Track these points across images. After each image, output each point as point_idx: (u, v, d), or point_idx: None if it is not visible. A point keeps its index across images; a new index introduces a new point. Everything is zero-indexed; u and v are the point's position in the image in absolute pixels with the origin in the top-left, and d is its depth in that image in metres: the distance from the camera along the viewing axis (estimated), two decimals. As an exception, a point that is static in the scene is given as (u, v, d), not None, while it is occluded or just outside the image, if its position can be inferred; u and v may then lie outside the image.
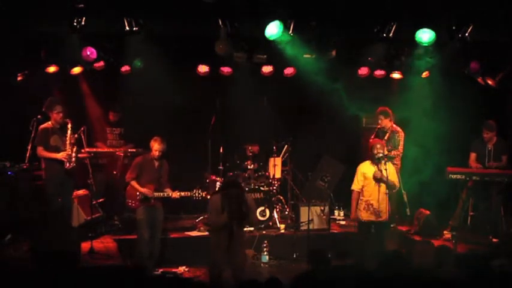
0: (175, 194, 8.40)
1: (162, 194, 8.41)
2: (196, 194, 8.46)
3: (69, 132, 8.56)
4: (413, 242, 9.29)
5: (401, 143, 9.57)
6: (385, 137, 9.68)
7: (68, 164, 8.48)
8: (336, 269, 5.75)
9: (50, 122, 8.60)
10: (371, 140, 8.99)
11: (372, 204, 8.33)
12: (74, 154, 8.53)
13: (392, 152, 9.41)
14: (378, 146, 8.36)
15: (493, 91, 10.28)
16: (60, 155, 8.48)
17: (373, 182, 8.33)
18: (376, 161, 8.30)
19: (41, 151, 8.51)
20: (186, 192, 8.47)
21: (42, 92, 9.07)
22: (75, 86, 9.97)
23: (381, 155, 8.26)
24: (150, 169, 8.43)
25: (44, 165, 8.60)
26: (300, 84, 10.55)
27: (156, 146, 8.35)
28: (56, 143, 8.56)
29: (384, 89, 10.85)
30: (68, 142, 8.54)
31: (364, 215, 8.38)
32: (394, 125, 9.71)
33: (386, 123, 9.70)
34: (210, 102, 10.36)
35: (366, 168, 8.40)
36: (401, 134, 9.61)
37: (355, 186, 8.45)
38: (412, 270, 5.84)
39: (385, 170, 8.20)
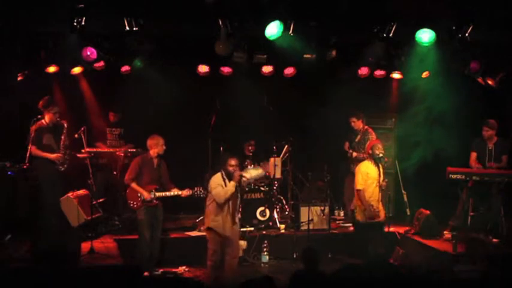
0: (186, 192, 8.36)
1: (168, 193, 8.37)
2: (198, 192, 8.44)
3: (64, 134, 8.53)
4: (413, 242, 9.29)
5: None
6: (356, 140, 9.76)
7: (59, 167, 8.45)
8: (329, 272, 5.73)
9: (43, 121, 8.55)
10: (371, 140, 8.99)
11: (372, 205, 8.33)
12: (67, 157, 8.50)
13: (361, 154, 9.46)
14: (379, 145, 8.40)
15: (493, 91, 10.28)
16: (53, 156, 8.45)
17: (374, 182, 8.34)
18: (377, 161, 8.31)
19: (35, 150, 8.47)
20: (189, 190, 8.46)
21: (42, 92, 9.07)
22: (75, 86, 9.97)
23: (382, 154, 8.27)
24: (150, 169, 8.42)
25: (35, 164, 8.53)
26: (300, 84, 10.55)
27: (161, 142, 8.36)
28: (49, 141, 8.53)
29: (384, 89, 10.87)
30: (62, 144, 8.51)
31: (363, 216, 8.37)
32: (366, 126, 9.83)
33: (358, 124, 9.88)
34: (210, 102, 10.36)
35: (368, 168, 8.41)
36: (373, 136, 9.64)
37: (361, 185, 8.43)
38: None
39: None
